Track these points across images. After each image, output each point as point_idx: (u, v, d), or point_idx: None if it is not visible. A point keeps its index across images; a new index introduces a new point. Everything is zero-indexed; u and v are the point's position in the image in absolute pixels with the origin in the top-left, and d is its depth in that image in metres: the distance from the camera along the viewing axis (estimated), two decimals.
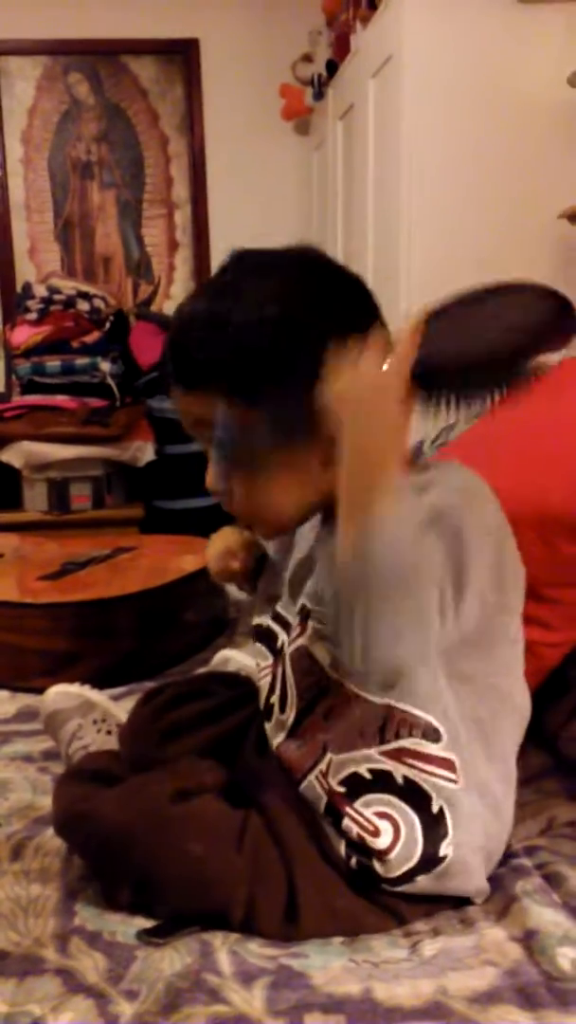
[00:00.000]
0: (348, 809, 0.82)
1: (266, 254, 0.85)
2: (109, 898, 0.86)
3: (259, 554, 1.05)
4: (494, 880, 0.87)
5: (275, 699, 0.93)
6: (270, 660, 0.97)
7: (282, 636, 0.96)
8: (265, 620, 1.00)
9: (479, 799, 0.84)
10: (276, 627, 0.98)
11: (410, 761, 0.82)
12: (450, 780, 0.82)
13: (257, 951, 0.79)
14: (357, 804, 0.82)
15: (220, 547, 1.06)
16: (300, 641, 0.91)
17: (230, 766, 0.96)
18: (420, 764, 0.82)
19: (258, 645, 1.00)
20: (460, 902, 0.86)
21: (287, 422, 0.81)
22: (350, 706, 0.85)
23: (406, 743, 0.82)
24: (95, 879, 0.89)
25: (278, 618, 0.98)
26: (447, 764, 0.82)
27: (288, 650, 0.92)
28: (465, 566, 0.76)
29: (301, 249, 0.87)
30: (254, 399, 0.80)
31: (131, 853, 0.84)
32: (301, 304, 0.81)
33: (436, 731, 0.82)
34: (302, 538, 0.98)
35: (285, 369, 0.79)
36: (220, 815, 0.86)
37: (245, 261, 0.86)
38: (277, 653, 0.96)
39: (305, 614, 0.91)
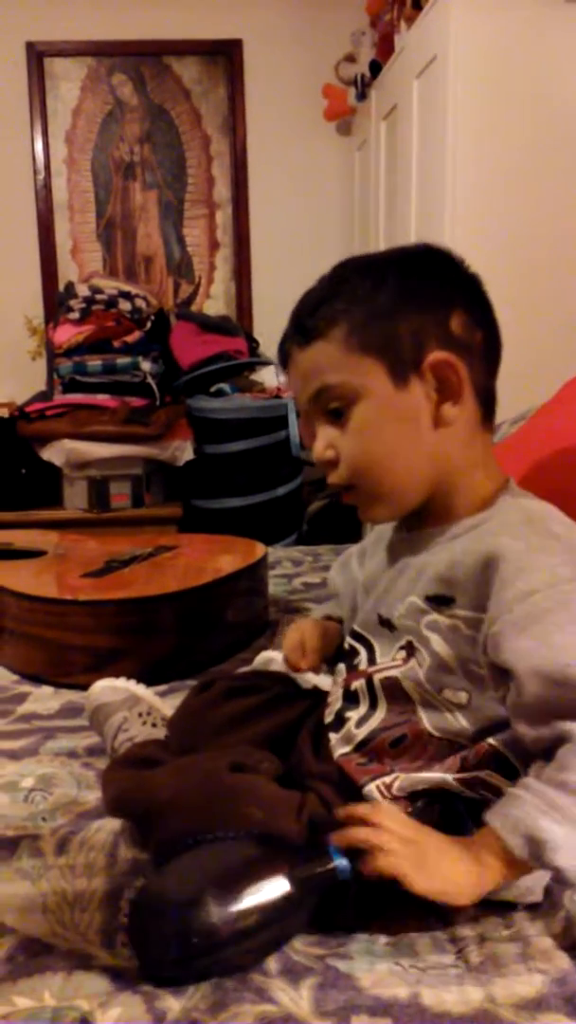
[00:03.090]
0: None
1: (374, 253, 0.92)
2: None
3: (335, 644, 1.05)
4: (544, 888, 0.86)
5: (353, 714, 0.92)
6: (344, 674, 0.96)
7: (363, 653, 0.95)
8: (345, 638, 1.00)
9: None
10: (356, 644, 0.97)
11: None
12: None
13: (303, 950, 0.78)
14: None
15: (295, 640, 1.05)
16: (394, 673, 0.89)
17: (283, 761, 0.95)
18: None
19: (341, 665, 1.00)
20: (507, 907, 0.85)
21: (402, 366, 0.84)
22: (430, 741, 0.85)
23: (482, 774, 0.81)
24: (150, 853, 0.90)
25: (356, 635, 0.98)
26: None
27: (378, 676, 0.91)
28: None
29: (409, 245, 0.93)
30: (369, 342, 0.84)
31: (190, 816, 0.83)
32: (419, 270, 0.88)
33: (515, 769, 0.81)
34: (377, 544, 0.99)
35: (402, 314, 0.84)
36: (278, 789, 0.86)
37: (354, 258, 0.91)
38: (354, 669, 0.95)
39: (410, 648, 0.89)
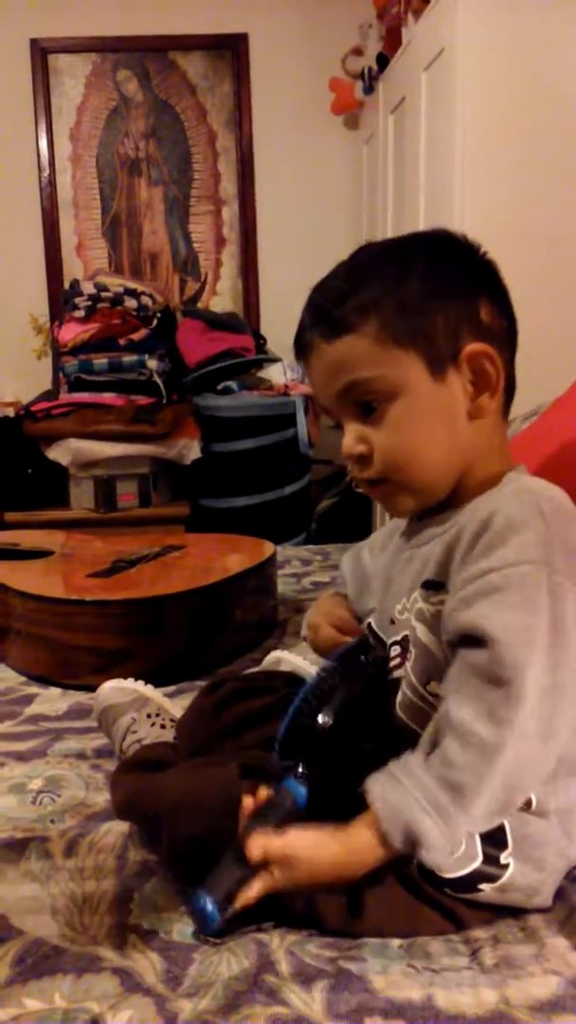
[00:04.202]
0: None
1: (391, 239, 0.90)
2: (173, 875, 0.87)
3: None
4: (557, 891, 0.85)
5: None
6: None
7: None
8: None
9: (557, 823, 0.82)
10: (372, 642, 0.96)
11: None
12: (520, 808, 0.81)
13: (315, 952, 0.78)
14: None
15: (328, 626, 1.04)
16: (398, 673, 0.89)
17: None
18: None
19: None
20: (520, 909, 0.84)
21: (439, 359, 0.82)
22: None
23: None
24: (160, 854, 0.89)
25: (373, 635, 0.97)
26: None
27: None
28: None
29: (426, 231, 0.91)
30: (404, 335, 0.81)
31: (196, 821, 0.83)
32: (445, 257, 0.86)
33: None
34: (389, 538, 0.98)
35: (434, 304, 0.82)
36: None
37: (372, 245, 0.89)
38: None
39: (404, 644, 0.88)
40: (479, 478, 0.86)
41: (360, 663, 0.89)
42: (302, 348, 0.88)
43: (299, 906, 0.80)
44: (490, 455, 0.87)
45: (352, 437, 0.86)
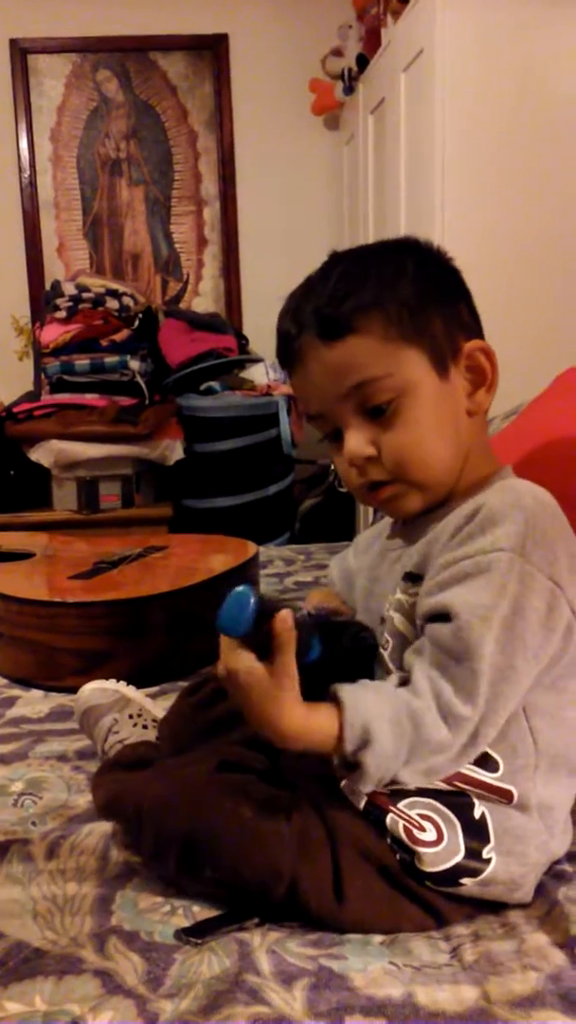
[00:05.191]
0: (391, 808, 0.82)
1: (364, 246, 0.91)
2: (157, 873, 0.87)
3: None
4: (537, 886, 0.85)
5: None
6: None
7: None
8: None
9: (538, 818, 0.83)
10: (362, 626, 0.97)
11: (460, 784, 0.81)
12: (500, 801, 0.82)
13: (296, 951, 0.78)
14: (400, 805, 0.82)
15: (316, 599, 1.06)
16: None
17: (273, 763, 0.95)
18: (470, 787, 0.81)
19: None
20: (500, 905, 0.85)
21: (442, 356, 0.83)
22: None
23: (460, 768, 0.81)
24: (141, 851, 0.90)
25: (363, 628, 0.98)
26: (501, 792, 0.82)
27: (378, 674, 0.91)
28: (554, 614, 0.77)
29: (398, 239, 0.92)
30: (410, 332, 0.82)
31: (178, 817, 0.83)
32: (429, 261, 0.87)
33: (494, 762, 0.81)
34: (369, 545, 0.99)
35: (430, 304, 0.83)
36: (267, 788, 0.86)
37: (347, 252, 0.89)
38: None
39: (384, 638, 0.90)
40: (469, 477, 0.87)
41: (339, 630, 0.89)
42: (293, 355, 0.87)
43: (281, 891, 0.80)
44: (481, 453, 0.89)
45: (359, 441, 0.84)
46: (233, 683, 0.76)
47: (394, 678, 0.79)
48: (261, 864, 0.81)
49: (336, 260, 0.88)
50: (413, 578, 0.85)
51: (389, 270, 0.84)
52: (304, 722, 0.74)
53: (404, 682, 0.78)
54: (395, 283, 0.83)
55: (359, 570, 1.02)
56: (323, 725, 0.74)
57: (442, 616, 0.77)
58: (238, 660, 0.75)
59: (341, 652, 0.83)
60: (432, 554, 0.83)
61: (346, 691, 0.75)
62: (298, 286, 0.89)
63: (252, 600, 0.73)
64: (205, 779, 0.85)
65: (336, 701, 0.75)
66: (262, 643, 0.74)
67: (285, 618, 0.73)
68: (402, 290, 0.83)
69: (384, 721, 0.73)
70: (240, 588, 0.73)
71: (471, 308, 0.89)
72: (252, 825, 0.81)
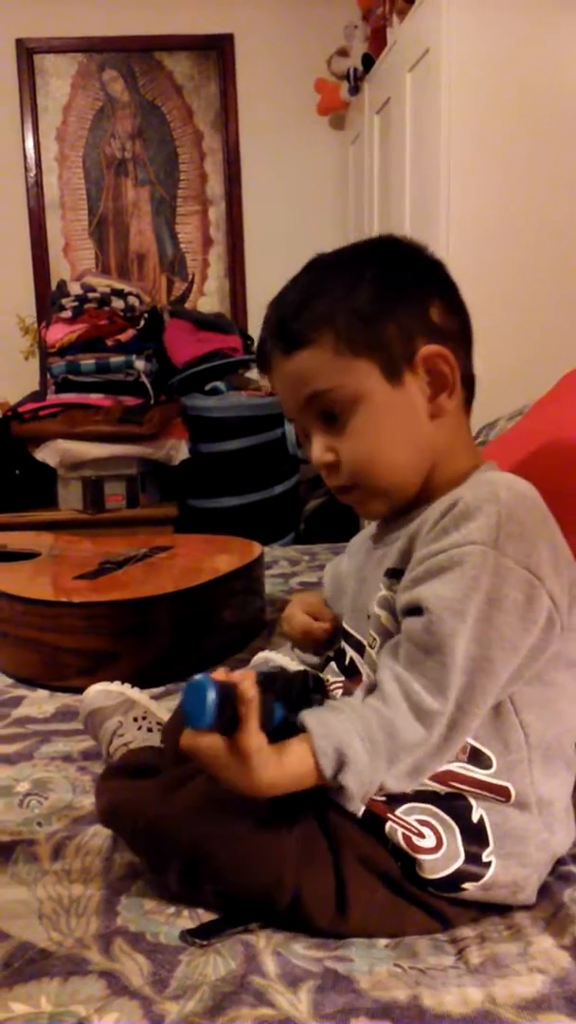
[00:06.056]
0: (390, 815, 0.81)
1: (341, 249, 0.91)
2: (159, 887, 0.86)
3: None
4: (542, 888, 0.85)
5: None
6: (341, 677, 0.96)
7: (350, 653, 0.95)
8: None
9: (538, 815, 0.82)
10: (344, 645, 0.97)
11: (455, 784, 0.81)
12: (498, 800, 0.81)
13: (302, 953, 0.78)
14: (399, 811, 0.81)
15: (301, 612, 1.06)
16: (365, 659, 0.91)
17: None
18: (467, 787, 0.81)
19: (332, 663, 1.00)
20: (506, 907, 0.84)
21: (395, 364, 0.84)
22: None
23: (453, 767, 0.81)
24: (143, 863, 0.89)
25: (346, 635, 0.98)
26: (498, 789, 0.81)
27: (366, 673, 0.91)
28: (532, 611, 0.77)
29: (373, 239, 0.92)
30: (360, 344, 0.84)
31: (179, 832, 0.83)
32: (393, 264, 0.88)
33: (487, 759, 0.81)
34: (359, 548, 0.99)
35: (386, 311, 0.84)
36: (268, 800, 0.86)
37: (323, 256, 0.90)
38: (347, 671, 0.95)
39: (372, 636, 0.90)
40: (446, 475, 0.88)
41: (289, 686, 0.85)
42: (263, 362, 0.91)
43: (285, 903, 0.80)
44: (455, 451, 0.89)
45: (319, 448, 0.88)
46: (198, 759, 0.75)
47: (360, 689, 0.79)
48: (263, 877, 0.80)
49: (309, 266, 0.91)
50: (395, 574, 0.85)
51: (347, 279, 0.85)
52: (278, 771, 0.74)
53: (372, 688, 0.78)
54: (350, 293, 0.84)
55: (349, 573, 1.02)
56: (296, 764, 0.74)
57: (415, 610, 0.77)
58: (197, 739, 0.74)
59: (298, 708, 0.83)
60: (413, 550, 0.83)
61: (312, 718, 0.75)
62: (281, 289, 0.91)
63: (211, 693, 0.72)
64: (204, 793, 0.84)
65: (304, 730, 0.75)
66: (228, 721, 0.74)
67: (247, 698, 0.73)
68: (356, 299, 0.84)
69: (355, 738, 0.73)
70: (197, 679, 0.73)
71: (448, 305, 0.88)
72: (253, 839, 0.81)
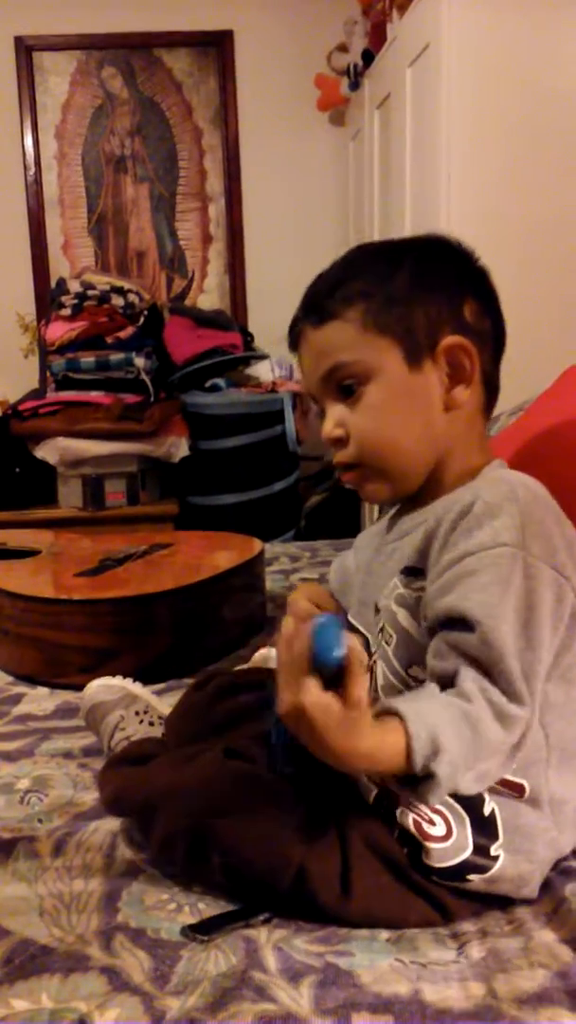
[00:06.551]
0: (402, 800, 0.81)
1: (388, 240, 0.95)
2: (166, 859, 0.87)
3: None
4: (544, 882, 0.85)
5: None
6: None
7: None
8: None
9: (550, 813, 0.82)
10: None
11: None
12: (512, 796, 0.81)
13: (303, 948, 0.78)
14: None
15: (305, 599, 1.03)
16: (378, 658, 0.89)
17: None
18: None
19: None
20: (508, 902, 0.84)
21: (417, 349, 0.85)
22: None
23: None
24: (149, 843, 0.90)
25: (351, 629, 0.97)
26: (513, 785, 0.81)
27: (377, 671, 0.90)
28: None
29: (423, 235, 0.95)
30: (386, 324, 0.85)
31: (188, 804, 0.83)
32: (435, 257, 0.90)
33: None
34: (368, 544, 0.99)
35: (418, 298, 0.85)
36: (276, 780, 0.86)
37: (368, 244, 0.94)
38: None
39: (384, 630, 0.89)
40: (456, 470, 0.88)
41: None
42: (295, 338, 0.92)
43: (289, 879, 0.80)
44: (466, 448, 0.89)
45: (331, 420, 0.89)
46: (302, 715, 0.69)
47: (431, 680, 0.77)
48: (269, 852, 0.81)
49: (352, 251, 0.92)
50: (413, 572, 0.84)
51: (385, 264, 0.88)
52: (378, 740, 0.70)
53: (443, 687, 0.76)
54: (386, 277, 0.86)
55: (357, 568, 1.02)
56: (393, 741, 0.70)
57: (459, 622, 0.75)
58: (307, 692, 0.69)
59: None
60: (432, 549, 0.82)
61: (403, 703, 0.72)
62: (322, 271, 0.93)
63: (342, 630, 0.69)
64: (214, 767, 0.85)
65: (395, 715, 0.71)
66: (334, 674, 0.70)
67: (356, 647, 0.70)
68: (391, 283, 0.86)
69: (447, 726, 0.71)
70: (323, 619, 0.70)
71: (483, 308, 0.89)
72: (262, 813, 0.82)
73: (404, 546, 0.88)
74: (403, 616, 0.85)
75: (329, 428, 0.89)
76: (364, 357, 0.86)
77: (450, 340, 0.85)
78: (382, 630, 0.88)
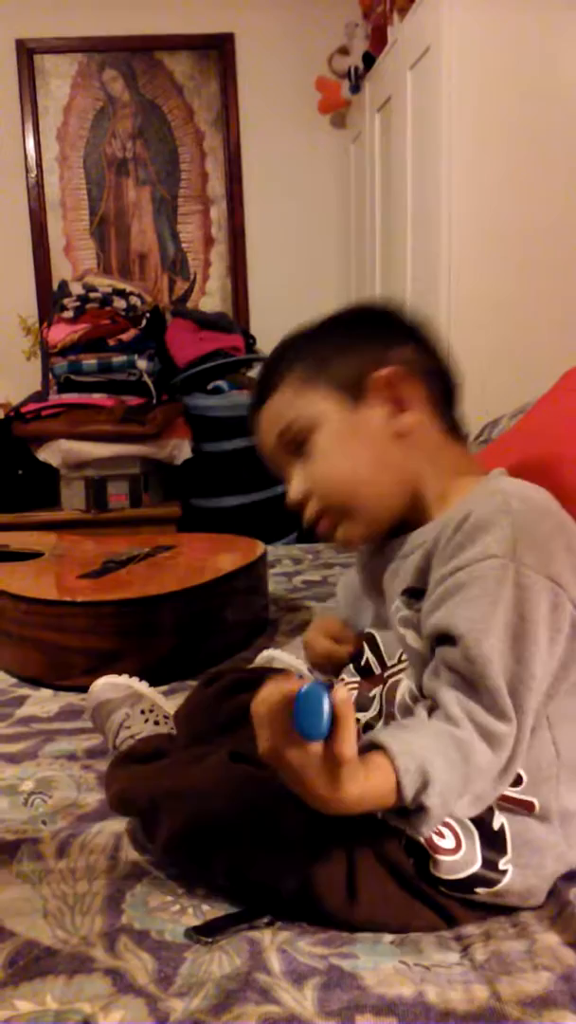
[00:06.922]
0: None
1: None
2: (167, 866, 0.87)
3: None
4: None
5: (372, 719, 0.91)
6: (356, 677, 0.96)
7: (367, 654, 0.95)
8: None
9: (559, 827, 0.82)
10: (365, 647, 0.97)
11: None
12: (521, 813, 0.81)
13: (307, 950, 0.78)
14: None
15: (322, 637, 1.04)
16: (399, 677, 0.89)
17: None
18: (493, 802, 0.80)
19: (349, 663, 0.99)
20: (512, 908, 0.84)
21: (351, 389, 0.89)
22: None
23: None
24: (154, 845, 0.89)
25: (364, 635, 0.98)
26: (522, 803, 0.81)
27: (390, 682, 0.90)
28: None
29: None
30: (318, 377, 0.90)
31: (192, 807, 0.84)
32: (361, 314, 0.97)
33: (518, 777, 0.80)
34: (366, 561, 0.99)
35: (347, 350, 0.90)
36: (283, 784, 0.86)
37: (297, 328, 0.97)
38: (363, 671, 0.95)
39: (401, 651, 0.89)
40: (437, 491, 0.89)
41: None
42: (252, 429, 0.98)
43: (294, 883, 0.80)
44: (438, 470, 0.90)
45: (294, 485, 0.92)
46: (285, 766, 0.69)
47: (420, 707, 0.77)
48: (275, 857, 0.81)
49: (284, 338, 0.98)
50: (413, 593, 0.85)
51: (314, 335, 0.94)
52: (365, 785, 0.69)
53: (431, 710, 0.76)
54: (316, 343, 0.92)
55: (363, 585, 1.02)
56: (381, 781, 0.69)
57: (448, 638, 0.76)
58: (291, 747, 0.68)
59: None
60: (429, 568, 0.83)
61: (388, 736, 0.71)
62: None
63: (327, 703, 0.67)
64: (219, 770, 0.85)
65: (380, 748, 0.70)
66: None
67: (345, 699, 0.69)
68: (320, 347, 0.92)
69: (436, 756, 0.70)
70: (308, 687, 0.67)
71: (422, 349, 0.91)
72: (266, 818, 0.81)
73: (407, 566, 0.88)
74: (412, 637, 0.85)
75: (294, 492, 0.92)
76: (304, 412, 0.90)
77: (382, 372, 0.88)
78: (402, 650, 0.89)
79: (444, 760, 0.70)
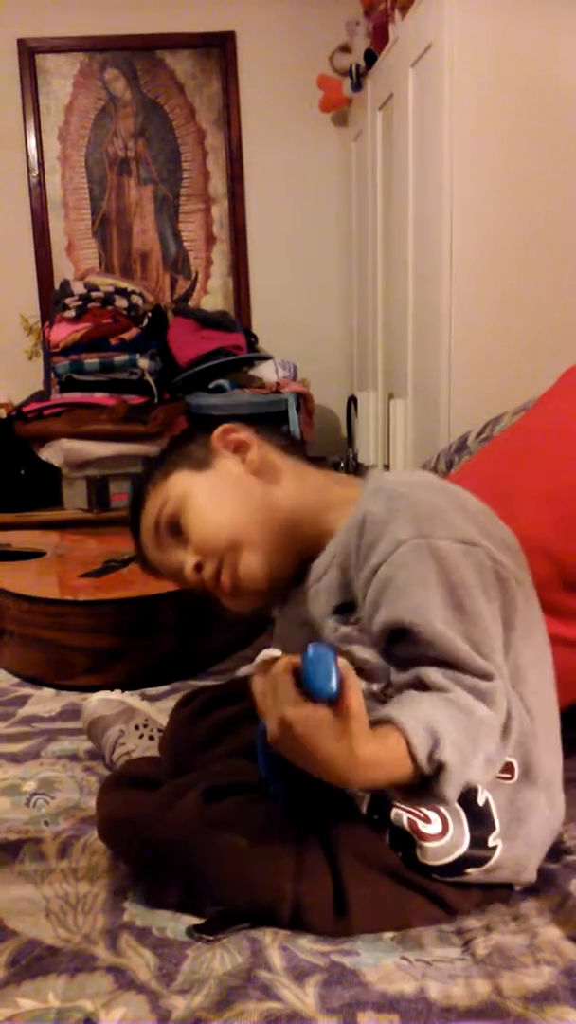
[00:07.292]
0: (395, 802, 0.81)
1: None
2: (157, 902, 0.86)
3: None
4: (548, 877, 0.85)
5: None
6: None
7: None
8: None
9: (540, 791, 0.84)
10: None
11: None
12: (503, 778, 0.82)
13: (308, 947, 0.78)
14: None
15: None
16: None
17: None
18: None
19: None
20: (508, 889, 0.85)
21: (199, 460, 1.01)
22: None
23: None
24: (142, 883, 0.89)
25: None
26: (504, 767, 0.81)
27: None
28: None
29: None
30: (168, 469, 1.02)
31: (175, 855, 0.83)
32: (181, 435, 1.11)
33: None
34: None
35: (186, 442, 1.04)
36: (260, 812, 0.85)
37: None
38: None
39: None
40: (323, 514, 0.96)
41: None
42: (135, 546, 1.07)
43: (286, 916, 0.80)
44: (314, 495, 0.98)
45: (187, 560, 0.97)
46: (295, 731, 0.69)
47: (410, 691, 0.77)
48: (262, 893, 0.81)
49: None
50: (345, 608, 0.87)
51: (157, 459, 1.06)
52: (378, 745, 0.70)
53: (413, 688, 0.77)
54: (160, 460, 1.04)
55: (290, 622, 1.04)
56: (394, 744, 0.70)
57: (399, 632, 0.78)
58: (298, 708, 0.69)
59: None
60: (351, 579, 0.86)
61: (390, 708, 0.73)
62: None
63: (334, 662, 0.69)
64: (197, 811, 0.84)
65: (385, 721, 0.71)
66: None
67: (345, 663, 0.71)
68: (165, 458, 1.03)
69: (440, 715, 0.71)
70: (315, 649, 0.69)
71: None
72: (248, 856, 0.81)
73: (325, 586, 0.91)
74: (358, 650, 0.85)
75: (188, 566, 0.96)
76: (172, 493, 0.99)
77: (216, 432, 1.01)
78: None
79: (448, 718, 0.72)
